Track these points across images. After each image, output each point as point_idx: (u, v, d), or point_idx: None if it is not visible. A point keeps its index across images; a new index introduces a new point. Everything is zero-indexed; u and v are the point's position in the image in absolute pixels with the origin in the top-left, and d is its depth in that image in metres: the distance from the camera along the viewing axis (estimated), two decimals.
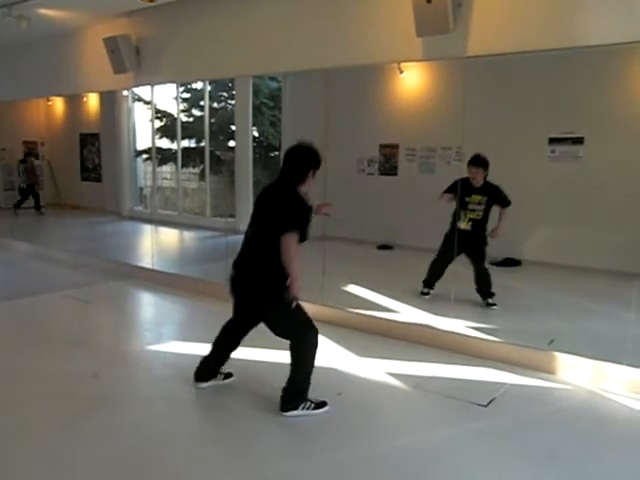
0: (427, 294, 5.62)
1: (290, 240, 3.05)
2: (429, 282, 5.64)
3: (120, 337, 4.77)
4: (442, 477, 2.82)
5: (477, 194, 5.28)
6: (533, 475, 2.83)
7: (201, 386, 3.63)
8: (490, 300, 5.32)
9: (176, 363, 4.16)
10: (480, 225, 5.30)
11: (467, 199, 5.29)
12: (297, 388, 3.30)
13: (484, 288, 5.33)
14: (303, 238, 3.14)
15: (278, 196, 3.23)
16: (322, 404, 3.35)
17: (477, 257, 5.34)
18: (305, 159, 3.24)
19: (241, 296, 3.36)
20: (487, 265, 5.34)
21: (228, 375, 3.72)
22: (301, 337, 3.26)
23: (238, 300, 3.39)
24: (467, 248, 5.32)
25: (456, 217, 5.36)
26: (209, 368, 3.64)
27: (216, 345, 3.60)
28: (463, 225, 5.32)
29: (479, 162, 5.27)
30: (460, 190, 5.23)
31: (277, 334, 3.30)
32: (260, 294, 3.23)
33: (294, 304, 3.15)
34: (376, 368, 4.06)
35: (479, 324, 4.75)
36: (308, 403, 3.31)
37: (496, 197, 5.23)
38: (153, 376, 3.99)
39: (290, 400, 3.29)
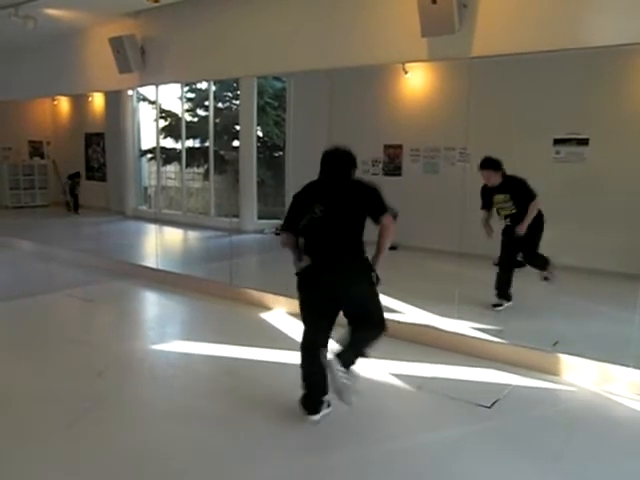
0: (500, 305, 5.40)
1: (390, 220, 3.34)
2: (502, 293, 5.44)
3: (124, 336, 4.78)
4: (445, 478, 2.81)
5: (498, 193, 5.31)
6: (537, 477, 2.83)
7: (314, 419, 3.23)
8: (546, 273, 5.33)
9: (180, 362, 4.17)
10: (519, 217, 5.25)
11: (494, 200, 5.34)
12: (359, 353, 3.24)
13: (540, 266, 5.34)
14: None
15: (351, 187, 3.35)
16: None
17: (528, 249, 5.35)
18: (349, 159, 3.41)
19: (339, 284, 3.22)
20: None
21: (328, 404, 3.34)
22: (382, 321, 3.28)
23: (331, 290, 3.23)
24: (517, 243, 5.32)
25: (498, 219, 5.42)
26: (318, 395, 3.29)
27: (309, 368, 3.28)
28: (504, 224, 5.36)
29: (484, 165, 5.28)
30: (485, 196, 5.36)
31: (362, 313, 3.26)
32: (362, 274, 3.26)
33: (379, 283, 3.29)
34: (379, 368, 4.06)
35: (483, 325, 4.74)
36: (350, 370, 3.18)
37: (519, 192, 5.22)
38: (157, 375, 3.99)
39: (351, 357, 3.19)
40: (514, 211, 5.28)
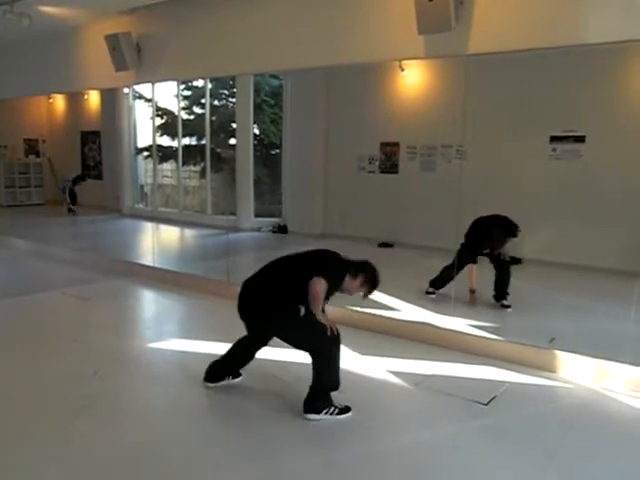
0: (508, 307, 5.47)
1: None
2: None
3: (121, 335, 4.77)
4: (442, 475, 2.82)
5: None
6: (533, 473, 2.83)
7: (209, 385, 3.62)
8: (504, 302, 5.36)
9: (177, 360, 4.17)
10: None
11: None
12: (322, 389, 3.27)
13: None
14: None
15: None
16: (346, 409, 3.30)
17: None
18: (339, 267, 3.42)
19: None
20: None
21: (236, 374, 3.68)
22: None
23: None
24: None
25: None
26: (219, 371, 3.64)
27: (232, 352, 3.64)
28: None
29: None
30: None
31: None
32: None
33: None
34: (377, 366, 4.07)
35: (480, 322, 4.75)
36: (332, 408, 3.26)
37: None
38: (154, 373, 3.98)
39: (314, 402, 3.27)
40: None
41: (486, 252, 5.28)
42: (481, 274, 5.55)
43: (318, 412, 3.23)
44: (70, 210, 11.17)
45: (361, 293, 3.46)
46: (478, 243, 5.25)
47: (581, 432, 3.25)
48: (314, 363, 3.25)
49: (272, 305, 3.26)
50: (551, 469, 2.86)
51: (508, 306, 5.31)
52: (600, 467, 2.91)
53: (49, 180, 12.04)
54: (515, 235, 5.15)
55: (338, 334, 3.26)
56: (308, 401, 3.26)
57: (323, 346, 3.23)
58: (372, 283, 3.45)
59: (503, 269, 5.32)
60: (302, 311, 3.29)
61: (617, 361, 3.81)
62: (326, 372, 3.25)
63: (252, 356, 3.59)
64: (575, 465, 2.92)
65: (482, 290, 5.62)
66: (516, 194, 5.40)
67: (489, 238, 5.19)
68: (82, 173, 11.33)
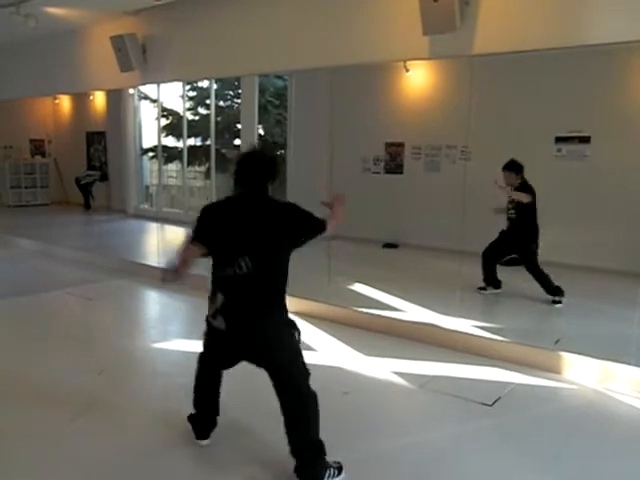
0: (484, 289, 5.64)
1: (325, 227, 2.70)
2: (488, 279, 5.66)
3: (125, 335, 4.78)
4: (447, 476, 2.81)
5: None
6: (538, 474, 2.82)
7: (204, 444, 2.99)
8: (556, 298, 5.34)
9: (181, 361, 4.17)
10: (516, 225, 5.39)
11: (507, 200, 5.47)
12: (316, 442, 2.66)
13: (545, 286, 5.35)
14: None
15: (266, 210, 2.63)
16: (340, 468, 2.70)
17: (523, 256, 5.49)
18: (262, 168, 2.67)
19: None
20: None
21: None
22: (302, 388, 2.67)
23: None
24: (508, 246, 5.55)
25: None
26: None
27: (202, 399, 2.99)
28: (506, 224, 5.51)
29: (506, 166, 5.38)
30: None
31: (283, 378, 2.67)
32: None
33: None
34: (382, 367, 4.06)
35: (485, 323, 4.74)
36: (332, 469, 2.65)
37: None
38: (158, 373, 3.99)
39: (314, 467, 2.64)
40: (514, 216, 5.36)
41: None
42: (481, 273, 5.54)
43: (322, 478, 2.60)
44: (88, 206, 11.27)
45: None
46: None
47: (586, 433, 3.24)
48: (301, 405, 2.64)
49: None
50: (556, 470, 2.85)
51: (559, 302, 5.30)
52: (605, 468, 2.89)
53: (55, 180, 12.09)
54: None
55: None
56: (304, 467, 2.61)
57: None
58: (273, 172, 2.68)
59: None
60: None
61: (622, 362, 3.79)
62: (315, 416, 2.66)
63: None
64: (580, 466, 2.90)
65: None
66: None
67: None
68: (94, 176, 11.33)
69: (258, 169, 2.65)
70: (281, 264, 2.63)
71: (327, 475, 2.62)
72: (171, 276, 2.68)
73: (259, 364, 2.66)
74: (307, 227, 2.66)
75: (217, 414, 3.00)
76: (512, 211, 5.38)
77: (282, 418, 2.62)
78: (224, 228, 2.63)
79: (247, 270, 2.53)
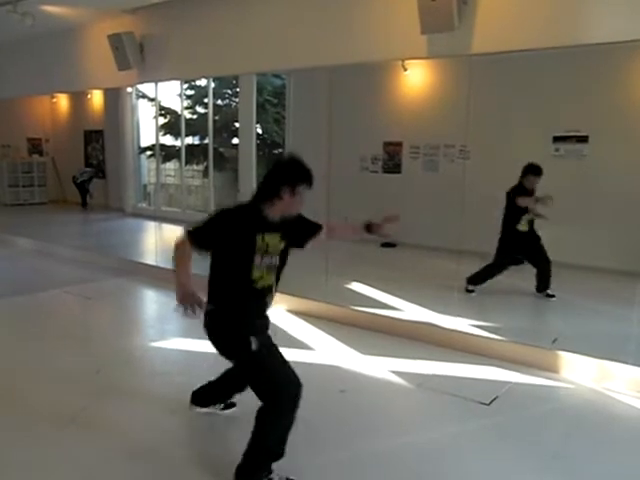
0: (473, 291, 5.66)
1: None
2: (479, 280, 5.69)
3: (123, 334, 4.78)
4: (444, 475, 2.82)
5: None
6: (536, 474, 2.83)
7: (197, 410, 3.21)
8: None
9: (179, 360, 4.17)
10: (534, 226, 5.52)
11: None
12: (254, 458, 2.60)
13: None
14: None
15: None
16: None
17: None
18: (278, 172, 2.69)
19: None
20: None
21: (230, 405, 3.27)
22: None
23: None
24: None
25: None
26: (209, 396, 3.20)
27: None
28: (523, 228, 5.53)
29: (538, 171, 5.46)
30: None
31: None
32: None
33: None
34: (379, 366, 4.06)
35: (482, 322, 4.75)
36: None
37: None
38: (156, 372, 3.99)
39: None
40: (534, 218, 5.44)
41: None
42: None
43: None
44: (85, 205, 11.22)
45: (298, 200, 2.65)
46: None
47: (584, 432, 3.24)
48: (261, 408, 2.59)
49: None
50: (554, 469, 2.85)
51: (553, 295, 5.40)
52: (603, 467, 2.90)
53: (52, 179, 12.06)
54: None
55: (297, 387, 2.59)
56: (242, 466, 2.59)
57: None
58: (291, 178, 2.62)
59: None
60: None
61: (620, 362, 3.80)
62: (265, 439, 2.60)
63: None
64: (578, 465, 2.91)
65: (483, 290, 5.63)
66: None
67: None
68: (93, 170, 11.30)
69: (269, 175, 2.68)
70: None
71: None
72: (190, 302, 2.78)
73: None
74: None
75: (226, 395, 3.13)
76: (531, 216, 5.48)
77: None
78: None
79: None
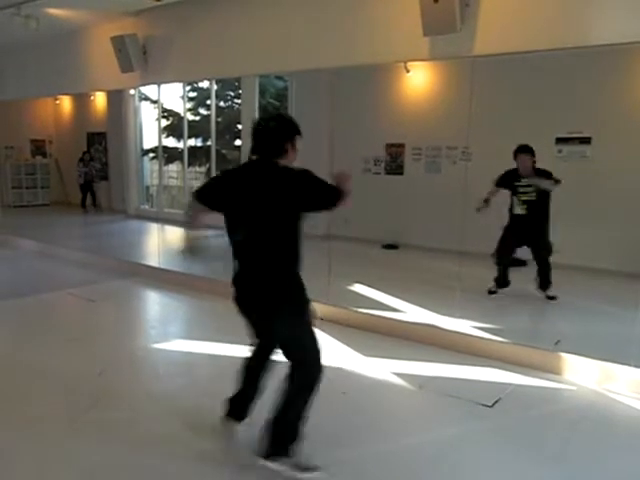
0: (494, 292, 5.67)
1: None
2: (499, 282, 5.69)
3: (126, 335, 4.79)
4: (447, 477, 2.81)
5: (524, 178, 5.43)
6: (538, 476, 2.82)
7: (238, 427, 3.02)
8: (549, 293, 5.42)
9: (182, 361, 4.18)
10: (536, 206, 5.42)
11: (519, 184, 5.46)
12: (284, 432, 2.66)
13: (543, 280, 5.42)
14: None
15: (274, 179, 2.61)
16: (312, 468, 2.67)
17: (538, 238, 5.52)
18: (278, 131, 2.74)
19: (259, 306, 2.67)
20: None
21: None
22: (308, 361, 2.65)
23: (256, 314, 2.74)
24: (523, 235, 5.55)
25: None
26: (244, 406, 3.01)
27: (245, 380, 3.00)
28: (519, 211, 5.49)
29: (524, 149, 5.41)
30: (507, 179, 5.52)
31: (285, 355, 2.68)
32: (277, 294, 2.60)
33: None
34: (381, 368, 4.06)
35: (484, 324, 4.74)
36: (294, 464, 2.65)
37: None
38: (159, 374, 4.00)
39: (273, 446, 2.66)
40: (534, 198, 5.38)
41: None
42: (481, 274, 5.54)
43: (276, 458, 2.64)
44: (83, 206, 11.27)
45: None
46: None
47: (586, 434, 3.24)
48: (289, 385, 2.63)
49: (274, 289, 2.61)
50: (556, 471, 2.85)
51: (555, 297, 5.37)
52: (605, 469, 2.90)
53: (56, 181, 12.10)
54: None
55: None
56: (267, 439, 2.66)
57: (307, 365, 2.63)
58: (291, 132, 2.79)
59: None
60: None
61: (622, 363, 3.79)
62: (299, 406, 2.64)
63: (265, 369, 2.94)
64: (580, 467, 2.90)
65: (485, 291, 5.63)
66: None
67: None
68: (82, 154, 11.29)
69: (271, 135, 2.69)
70: (284, 232, 2.58)
71: (281, 462, 2.63)
72: (190, 225, 2.89)
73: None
74: (316, 192, 2.59)
75: (252, 398, 2.96)
76: (530, 195, 5.39)
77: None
78: (233, 193, 2.64)
79: (252, 235, 2.58)
